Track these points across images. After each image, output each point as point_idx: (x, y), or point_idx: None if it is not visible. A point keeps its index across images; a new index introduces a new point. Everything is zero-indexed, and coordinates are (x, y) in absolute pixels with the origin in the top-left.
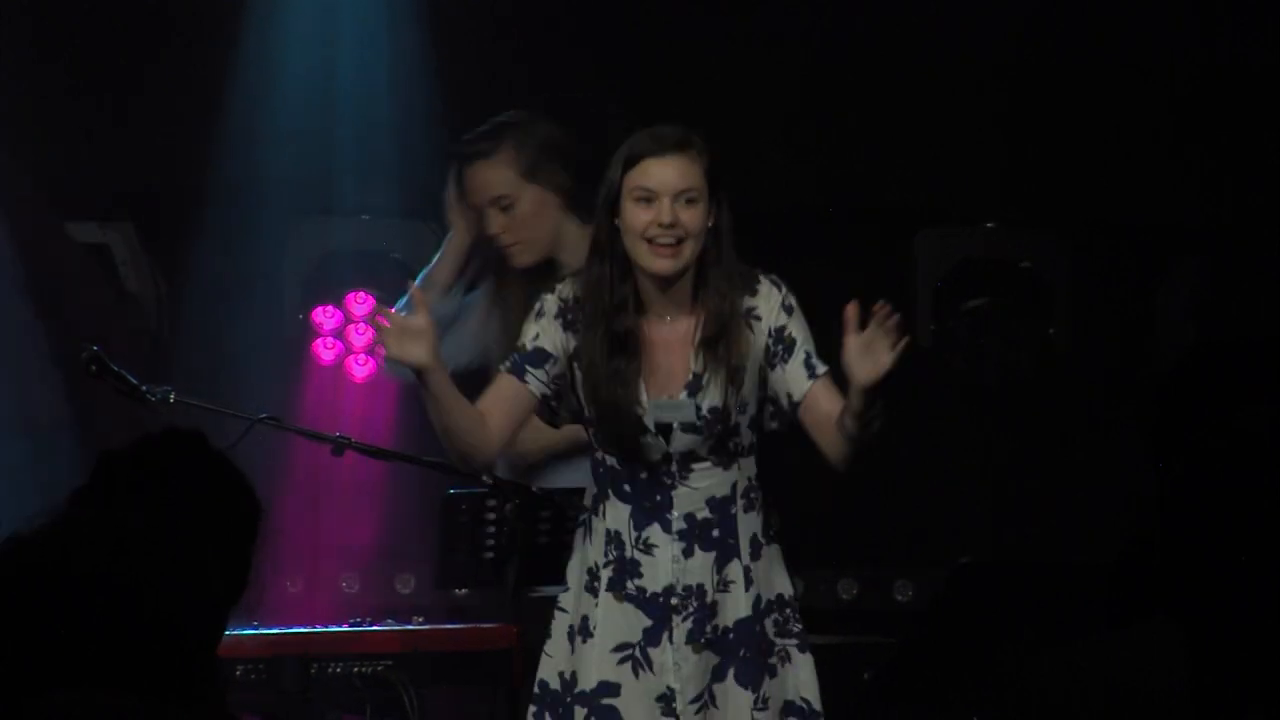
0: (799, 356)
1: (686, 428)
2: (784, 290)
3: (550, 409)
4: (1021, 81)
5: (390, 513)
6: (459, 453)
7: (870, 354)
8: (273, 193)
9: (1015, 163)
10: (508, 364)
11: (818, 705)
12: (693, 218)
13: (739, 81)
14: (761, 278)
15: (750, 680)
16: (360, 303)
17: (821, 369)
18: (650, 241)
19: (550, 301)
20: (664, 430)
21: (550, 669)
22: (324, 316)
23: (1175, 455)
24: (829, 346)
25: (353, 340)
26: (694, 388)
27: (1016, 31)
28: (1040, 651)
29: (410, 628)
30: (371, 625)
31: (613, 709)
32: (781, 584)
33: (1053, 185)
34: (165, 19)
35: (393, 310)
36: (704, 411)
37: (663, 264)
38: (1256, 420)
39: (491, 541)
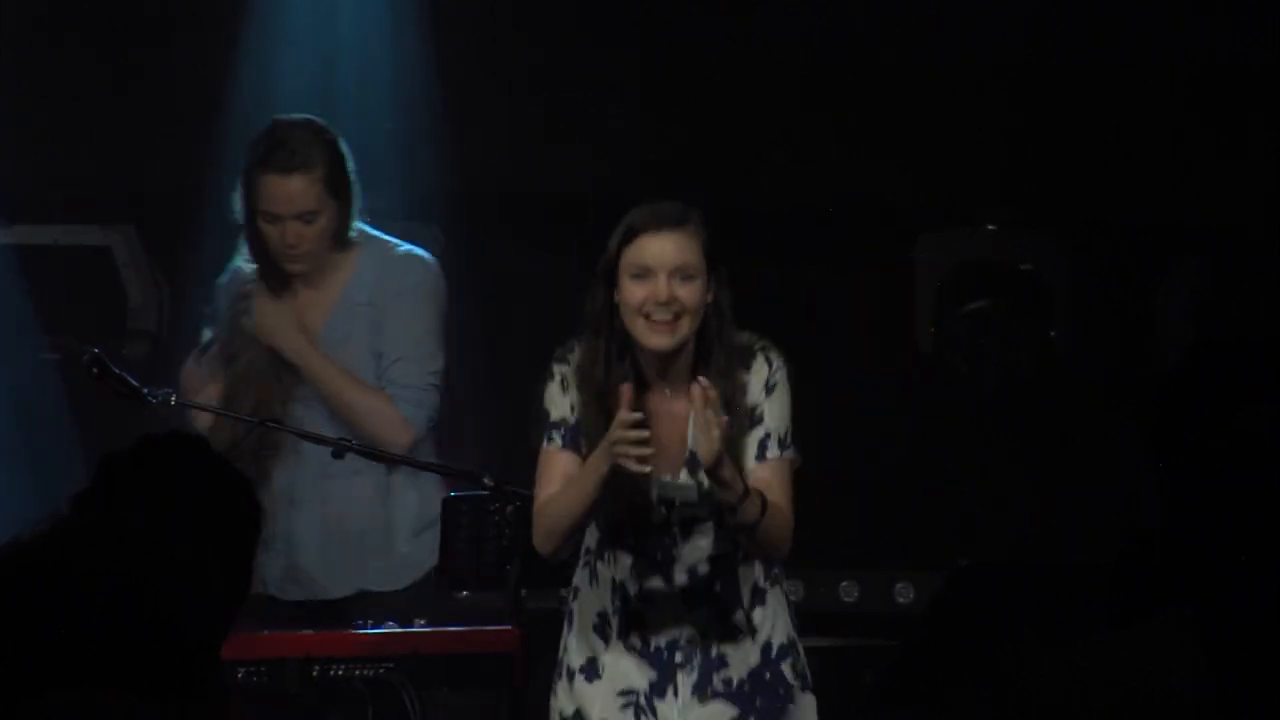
0: (757, 434)
1: (688, 506)
2: (773, 366)
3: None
4: (1021, 83)
5: None
6: (564, 545)
7: (705, 433)
8: None
9: (1015, 164)
10: (558, 440)
11: None
12: (690, 294)
13: (739, 81)
14: (757, 351)
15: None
16: None
17: (774, 453)
18: (647, 317)
19: (568, 373)
20: (666, 504)
21: (556, 707)
22: None
23: (1176, 456)
24: (830, 351)
25: None
26: (694, 464)
27: (1016, 32)
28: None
29: (412, 630)
30: (372, 627)
31: None
32: (789, 627)
33: (1053, 187)
34: (165, 19)
35: None
36: (705, 489)
37: (659, 340)
38: (1256, 420)
39: (492, 544)
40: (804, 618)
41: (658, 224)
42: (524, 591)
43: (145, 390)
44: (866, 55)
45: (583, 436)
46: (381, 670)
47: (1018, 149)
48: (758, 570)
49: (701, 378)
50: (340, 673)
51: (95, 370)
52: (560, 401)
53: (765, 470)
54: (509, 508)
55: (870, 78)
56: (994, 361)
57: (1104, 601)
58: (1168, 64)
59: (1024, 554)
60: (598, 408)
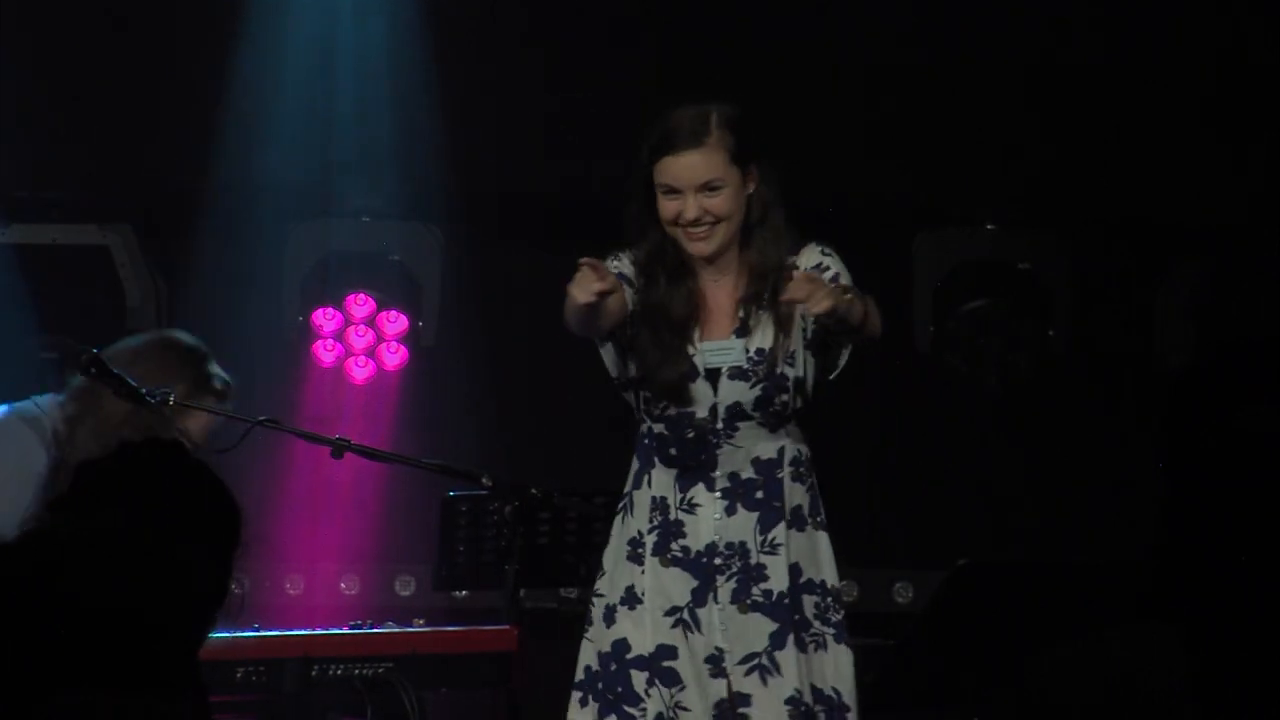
0: (826, 276)
1: (734, 373)
2: (826, 250)
3: (619, 305)
4: (1021, 83)
5: (390, 515)
6: (588, 326)
7: (812, 296)
8: (272, 195)
9: (1015, 164)
10: (610, 265)
11: (850, 700)
12: (720, 204)
13: (739, 81)
14: (813, 243)
15: (802, 644)
16: (360, 304)
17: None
18: (683, 228)
19: (625, 260)
20: (713, 377)
21: (590, 653)
22: (324, 318)
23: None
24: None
25: (352, 342)
26: (742, 332)
27: (1016, 33)
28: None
29: (410, 630)
30: (372, 627)
31: (673, 671)
32: (829, 571)
33: (1052, 187)
34: (165, 20)
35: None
36: (751, 353)
37: (697, 247)
38: (1257, 420)
39: (492, 544)
40: None
41: (679, 143)
42: (523, 591)
43: (144, 390)
44: (866, 56)
45: (637, 321)
46: (381, 670)
47: (1017, 149)
48: (805, 498)
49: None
50: (340, 673)
51: (94, 370)
52: (609, 264)
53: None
54: (508, 508)
55: (870, 78)
56: (994, 361)
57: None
58: (1168, 65)
59: (1024, 554)
60: (647, 300)
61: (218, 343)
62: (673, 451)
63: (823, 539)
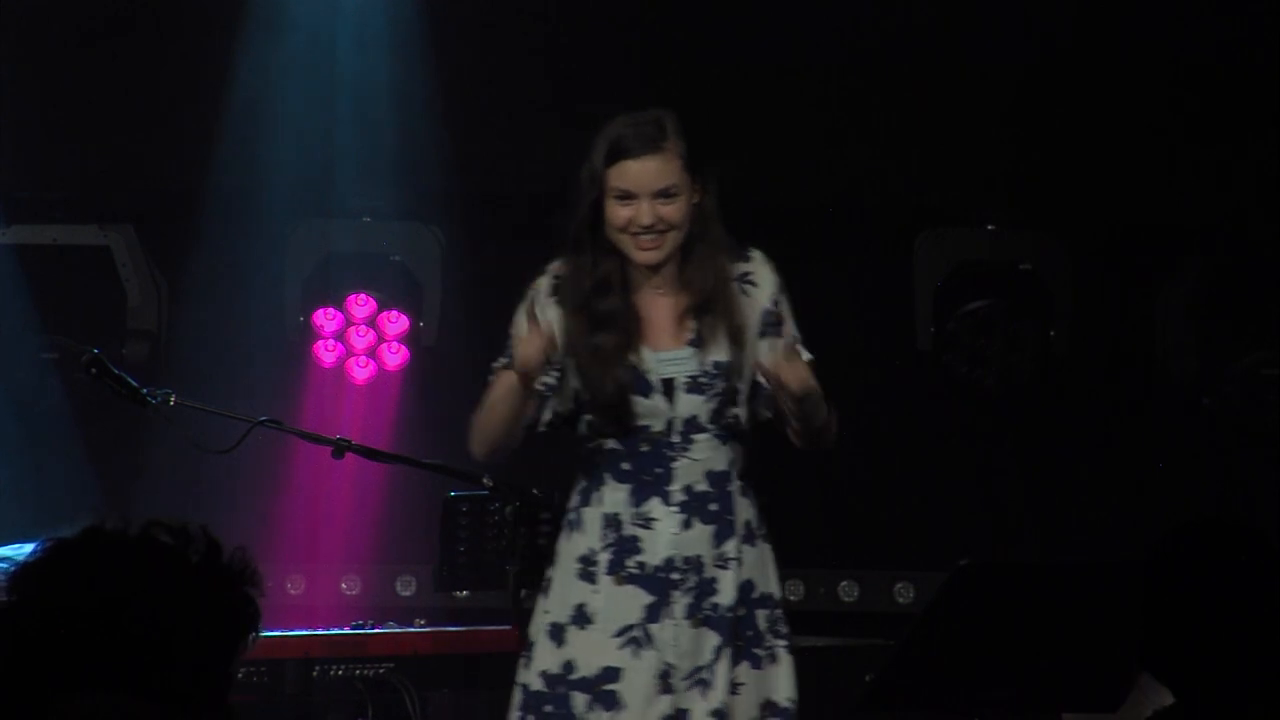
0: (787, 339)
1: (691, 386)
2: (772, 267)
3: (545, 402)
4: (1021, 84)
5: (391, 515)
6: (500, 447)
7: (786, 373)
8: (273, 195)
9: (1015, 165)
10: (506, 359)
11: (795, 704)
12: (673, 211)
13: (739, 82)
14: (752, 249)
15: (755, 662)
16: (361, 304)
17: (806, 356)
18: (634, 235)
19: (543, 283)
20: (668, 389)
21: (530, 672)
22: (325, 319)
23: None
24: (830, 351)
25: (353, 342)
26: (697, 343)
27: (1016, 34)
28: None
29: (412, 630)
30: (373, 628)
31: (613, 694)
32: (775, 583)
33: (1053, 187)
34: (165, 21)
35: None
36: (708, 365)
37: (646, 255)
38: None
39: (492, 544)
40: (804, 617)
41: (638, 148)
42: (524, 591)
43: (144, 390)
44: (867, 56)
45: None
46: (381, 670)
47: (1018, 149)
48: (751, 511)
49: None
50: (340, 673)
51: (94, 370)
52: (522, 321)
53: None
54: (509, 508)
55: (870, 79)
56: (994, 362)
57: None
58: (1168, 65)
59: (1024, 554)
60: (582, 318)
61: (218, 343)
62: (626, 467)
63: (768, 551)
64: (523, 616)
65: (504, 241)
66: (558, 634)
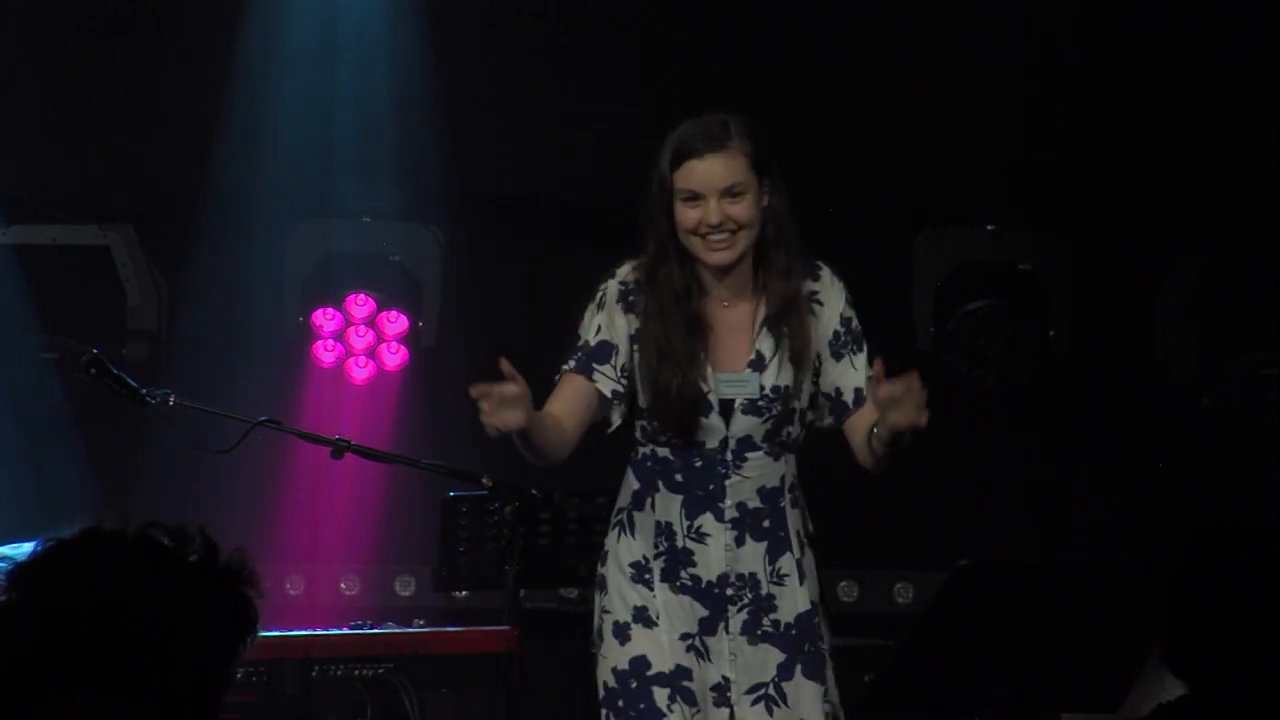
0: (865, 354)
1: (748, 408)
2: (843, 284)
3: (616, 408)
4: (1021, 84)
5: (390, 515)
6: (538, 459)
7: (901, 407)
8: (272, 195)
9: (1015, 165)
10: (573, 363)
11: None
12: (742, 210)
13: (740, 82)
14: (822, 265)
15: (817, 673)
16: (360, 305)
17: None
18: (703, 237)
19: (612, 287)
20: (726, 410)
21: (605, 669)
22: (324, 319)
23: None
24: None
25: (353, 343)
26: (757, 365)
27: (1017, 34)
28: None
29: (411, 630)
30: (372, 628)
31: (691, 692)
32: (818, 586)
33: (1053, 187)
34: (165, 21)
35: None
36: (767, 390)
37: (718, 256)
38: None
39: (492, 544)
40: None
41: (703, 147)
42: (523, 591)
43: (144, 390)
44: (867, 56)
45: (612, 357)
46: (381, 670)
47: (1017, 149)
48: (800, 521)
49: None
50: (340, 673)
51: (94, 370)
52: (590, 322)
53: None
54: (508, 508)
55: (871, 78)
56: (994, 361)
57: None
58: (1168, 65)
59: (1024, 554)
60: (658, 326)
61: (218, 343)
62: (679, 478)
63: (813, 558)
64: (522, 616)
65: (504, 241)
66: (622, 632)
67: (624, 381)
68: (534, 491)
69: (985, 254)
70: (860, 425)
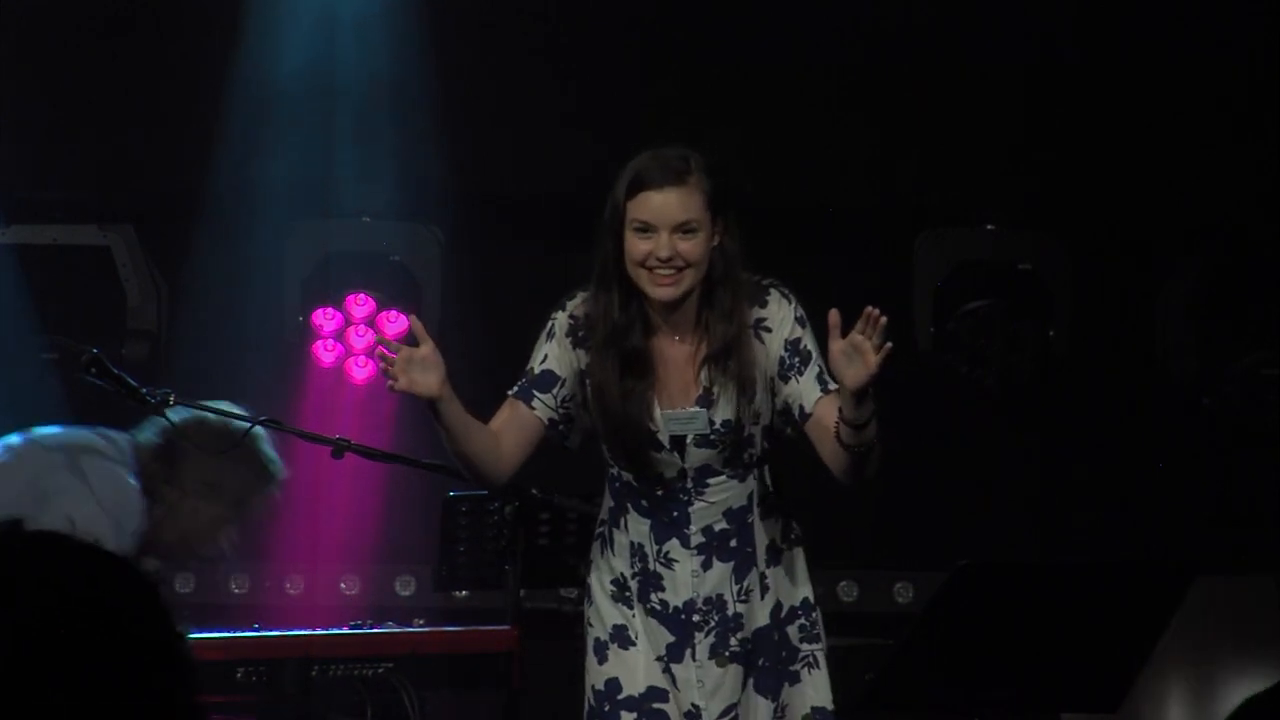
0: (813, 370)
1: (700, 441)
2: (794, 303)
3: (559, 433)
4: (1021, 84)
5: (390, 515)
6: (473, 475)
7: (857, 358)
8: (272, 195)
9: (1015, 165)
10: (516, 388)
11: (833, 707)
12: (692, 248)
13: (740, 82)
14: (771, 289)
15: (769, 689)
16: (360, 304)
17: (832, 386)
18: (650, 270)
19: (561, 320)
20: (678, 445)
21: (588, 683)
22: (324, 318)
23: None
24: (820, 347)
25: (353, 342)
26: (705, 401)
27: (1017, 34)
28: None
29: (411, 630)
30: (372, 627)
31: (663, 714)
32: (804, 589)
33: (1053, 187)
34: (165, 21)
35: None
36: (717, 424)
37: (662, 291)
38: None
39: (492, 544)
40: None
41: (660, 179)
42: (523, 591)
43: (144, 390)
44: (867, 56)
45: (554, 387)
46: (381, 670)
47: (1018, 149)
48: (777, 530)
49: (871, 307)
50: (340, 673)
51: (94, 370)
52: (538, 351)
53: (831, 400)
54: (508, 508)
55: (871, 78)
56: (994, 362)
57: None
58: (1169, 65)
59: (1024, 554)
60: (613, 354)
61: (217, 343)
62: (644, 504)
63: (798, 555)
64: (522, 616)
65: (504, 241)
66: (600, 651)
67: (563, 411)
68: (534, 491)
69: (985, 254)
70: (825, 421)
